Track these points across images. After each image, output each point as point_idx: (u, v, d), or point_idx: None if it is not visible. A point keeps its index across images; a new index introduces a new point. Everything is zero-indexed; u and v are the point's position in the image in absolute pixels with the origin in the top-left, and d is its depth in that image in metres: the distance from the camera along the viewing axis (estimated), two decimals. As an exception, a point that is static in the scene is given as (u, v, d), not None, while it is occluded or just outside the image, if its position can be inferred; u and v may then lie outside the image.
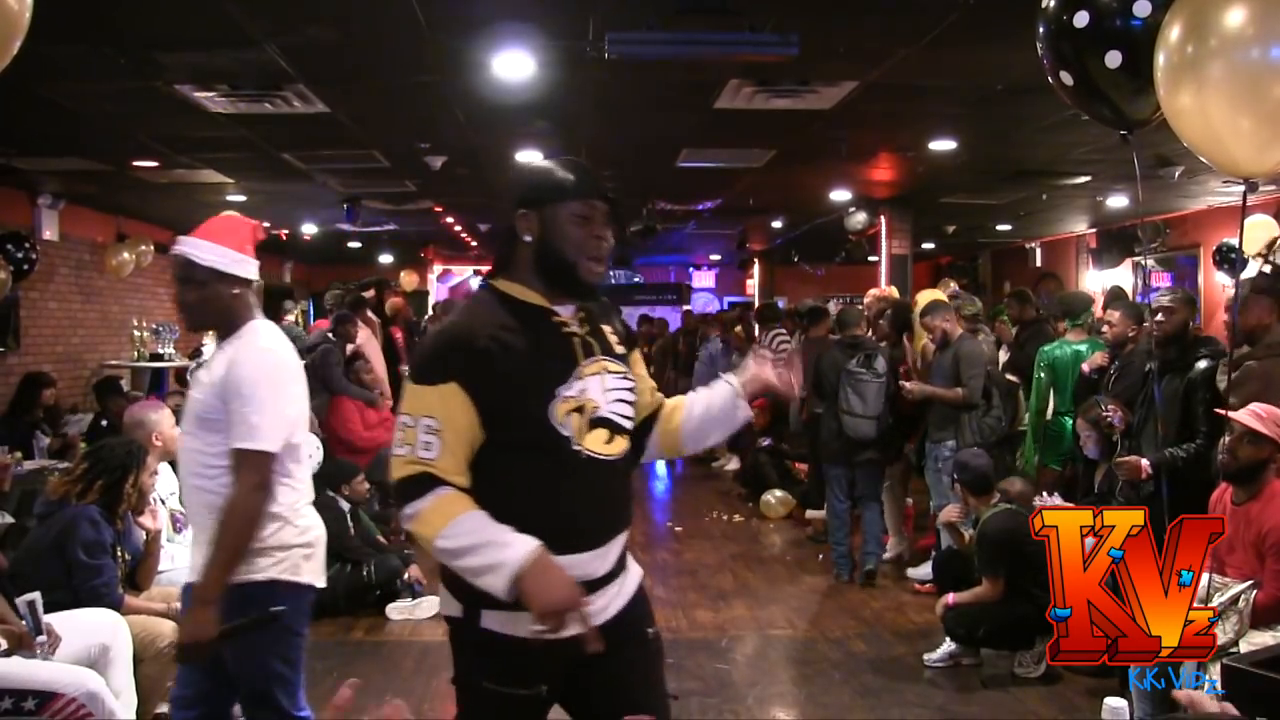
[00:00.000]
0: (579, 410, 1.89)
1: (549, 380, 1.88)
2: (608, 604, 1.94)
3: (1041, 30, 2.99)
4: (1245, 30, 2.26)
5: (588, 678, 1.93)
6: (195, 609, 2.32)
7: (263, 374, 2.40)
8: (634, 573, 2.06)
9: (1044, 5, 2.96)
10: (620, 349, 2.03)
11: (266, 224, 10.39)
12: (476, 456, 1.86)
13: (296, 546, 2.47)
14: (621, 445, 1.97)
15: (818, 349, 6.27)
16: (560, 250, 1.92)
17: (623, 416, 1.97)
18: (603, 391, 1.93)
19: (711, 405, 2.13)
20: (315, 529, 2.58)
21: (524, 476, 1.87)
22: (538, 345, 1.90)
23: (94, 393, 7.69)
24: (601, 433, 1.92)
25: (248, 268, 2.52)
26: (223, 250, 2.47)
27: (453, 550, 1.79)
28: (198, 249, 2.47)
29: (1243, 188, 2.59)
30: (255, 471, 2.35)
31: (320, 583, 2.58)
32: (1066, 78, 2.90)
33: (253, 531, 2.34)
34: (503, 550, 1.75)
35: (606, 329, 2.03)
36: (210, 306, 2.49)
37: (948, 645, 4.45)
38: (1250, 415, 3.30)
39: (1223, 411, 3.49)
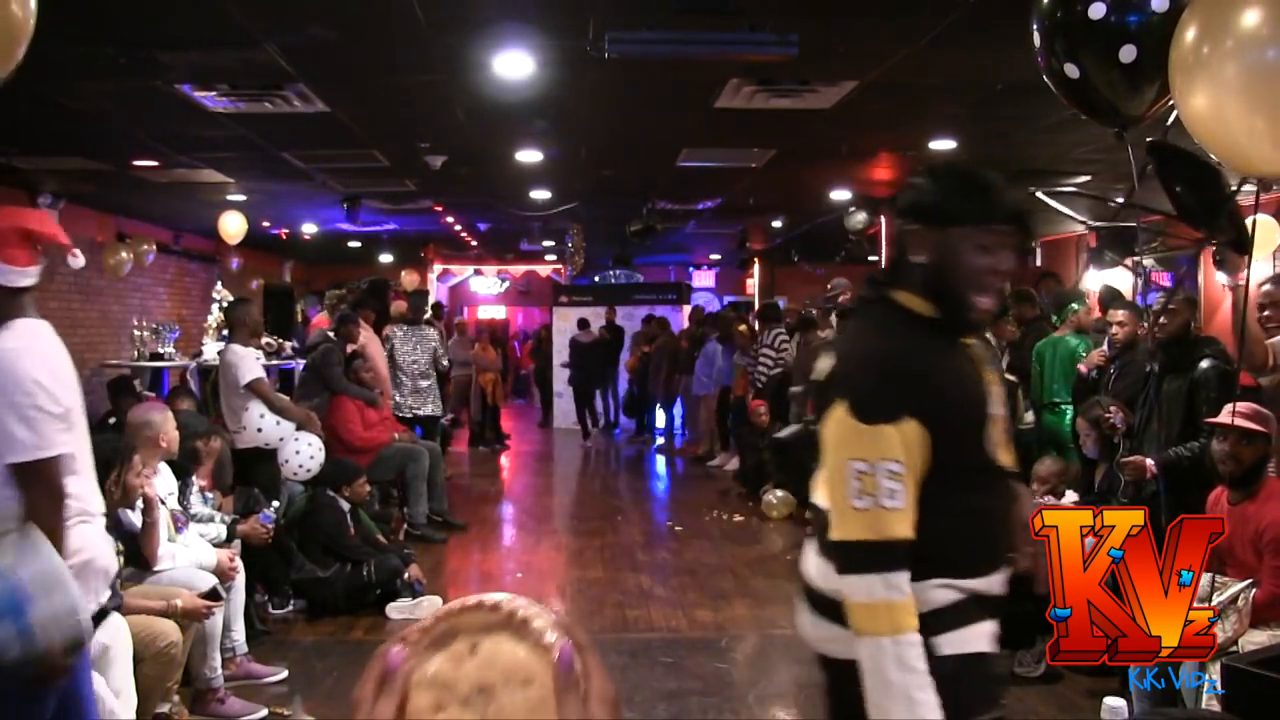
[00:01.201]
0: (995, 426, 1.79)
1: (983, 400, 1.77)
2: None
3: (1039, 24, 2.98)
4: (1261, 30, 2.26)
5: None
6: None
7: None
8: None
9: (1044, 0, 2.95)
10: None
11: (266, 223, 10.45)
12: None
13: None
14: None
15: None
16: (952, 281, 1.71)
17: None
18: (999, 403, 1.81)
19: None
20: (88, 551, 2.33)
21: (961, 506, 1.70)
22: (960, 363, 1.77)
23: (107, 391, 7.69)
24: (1005, 444, 1.83)
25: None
26: None
27: (899, 665, 1.55)
28: None
29: (1247, 187, 2.60)
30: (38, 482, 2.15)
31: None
32: (1072, 70, 2.89)
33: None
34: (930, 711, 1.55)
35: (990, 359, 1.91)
36: None
37: None
38: (1239, 418, 3.32)
39: (1214, 420, 3.51)
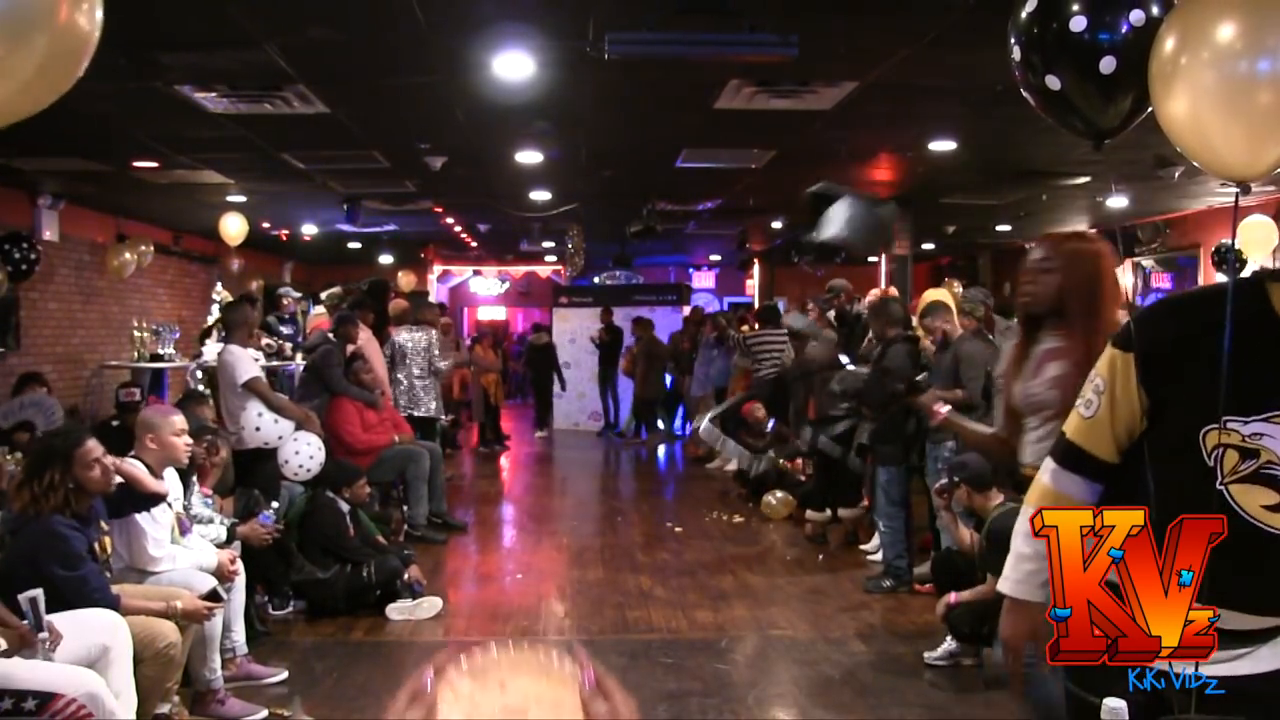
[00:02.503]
0: (1240, 452, 1.62)
1: (1231, 406, 1.61)
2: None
3: (1018, 37, 3.03)
4: (1236, 42, 2.35)
5: None
6: None
7: None
8: None
9: (1022, 13, 3.00)
10: None
11: (266, 223, 10.47)
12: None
13: None
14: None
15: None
16: None
17: None
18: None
19: None
20: None
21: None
22: (1258, 364, 1.62)
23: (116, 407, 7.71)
24: (1263, 492, 1.61)
25: None
26: None
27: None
28: None
29: (1238, 190, 2.64)
30: None
31: None
32: (1053, 82, 2.95)
33: None
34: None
35: None
36: None
37: (949, 644, 4.45)
38: None
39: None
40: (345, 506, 5.42)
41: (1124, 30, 2.78)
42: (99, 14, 2.25)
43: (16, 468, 5.40)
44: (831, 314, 8.28)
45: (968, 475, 4.63)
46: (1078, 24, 2.84)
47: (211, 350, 7.93)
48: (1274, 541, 1.62)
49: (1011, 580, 2.03)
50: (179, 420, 4.04)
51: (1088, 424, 1.78)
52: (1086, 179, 7.95)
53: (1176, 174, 7.31)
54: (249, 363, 5.63)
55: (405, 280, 14.12)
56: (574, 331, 13.22)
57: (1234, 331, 1.56)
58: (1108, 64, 2.79)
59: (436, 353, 7.84)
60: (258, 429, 5.50)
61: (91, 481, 3.44)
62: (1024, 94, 3.11)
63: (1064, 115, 3.02)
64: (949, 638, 4.44)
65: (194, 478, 4.52)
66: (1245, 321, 1.58)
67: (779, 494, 7.76)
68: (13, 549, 3.42)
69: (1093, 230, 11.60)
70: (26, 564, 3.29)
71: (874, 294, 7.75)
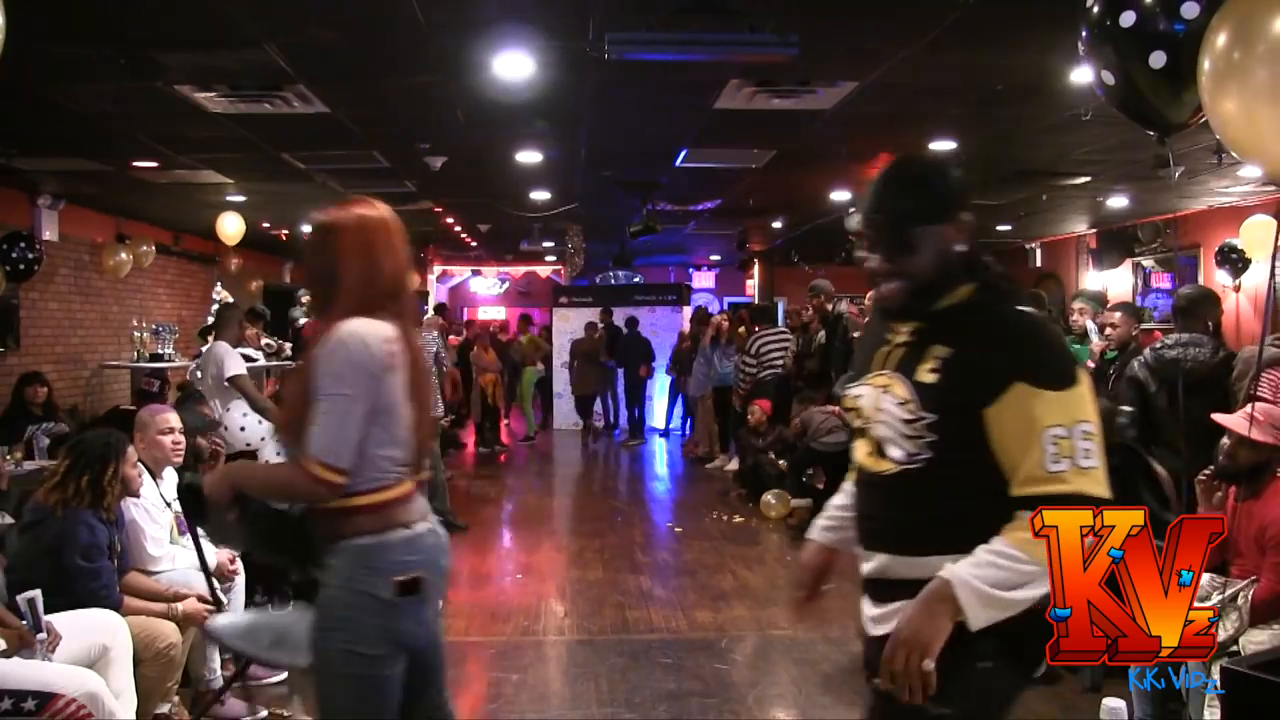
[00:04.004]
0: (853, 412, 1.89)
1: (850, 379, 1.95)
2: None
3: (1084, 32, 3.00)
4: None
5: None
6: None
7: None
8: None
9: (1088, 5, 2.98)
10: (928, 378, 1.74)
11: (266, 223, 10.46)
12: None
13: None
14: (888, 465, 1.79)
15: None
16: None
17: (886, 438, 1.79)
18: (875, 408, 1.82)
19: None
20: None
21: None
22: (871, 343, 1.96)
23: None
24: (864, 443, 1.86)
25: None
26: None
27: None
28: None
29: (1247, 188, 2.62)
30: None
31: None
32: (1108, 78, 2.92)
33: None
34: None
35: (938, 354, 1.76)
36: None
37: None
38: (1245, 419, 3.30)
39: (1217, 417, 3.49)
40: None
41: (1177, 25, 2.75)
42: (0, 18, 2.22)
43: (16, 467, 5.42)
44: (811, 311, 8.33)
45: None
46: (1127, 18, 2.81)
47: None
48: (877, 483, 1.83)
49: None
50: (166, 419, 4.03)
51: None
52: (1086, 179, 7.95)
53: (1176, 174, 7.31)
54: (236, 359, 5.70)
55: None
56: (574, 331, 13.24)
57: (870, 321, 1.92)
58: (1157, 59, 2.76)
59: (443, 354, 7.91)
60: (242, 429, 5.53)
61: (132, 481, 3.58)
62: (1094, 88, 3.09)
63: (1130, 107, 2.98)
64: None
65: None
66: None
67: (777, 493, 7.76)
68: (32, 537, 3.46)
69: (1092, 230, 11.60)
70: (47, 553, 3.34)
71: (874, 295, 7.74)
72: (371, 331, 2.07)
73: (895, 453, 1.76)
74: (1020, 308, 1.77)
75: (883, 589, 1.83)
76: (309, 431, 2.02)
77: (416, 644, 2.14)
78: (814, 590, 2.12)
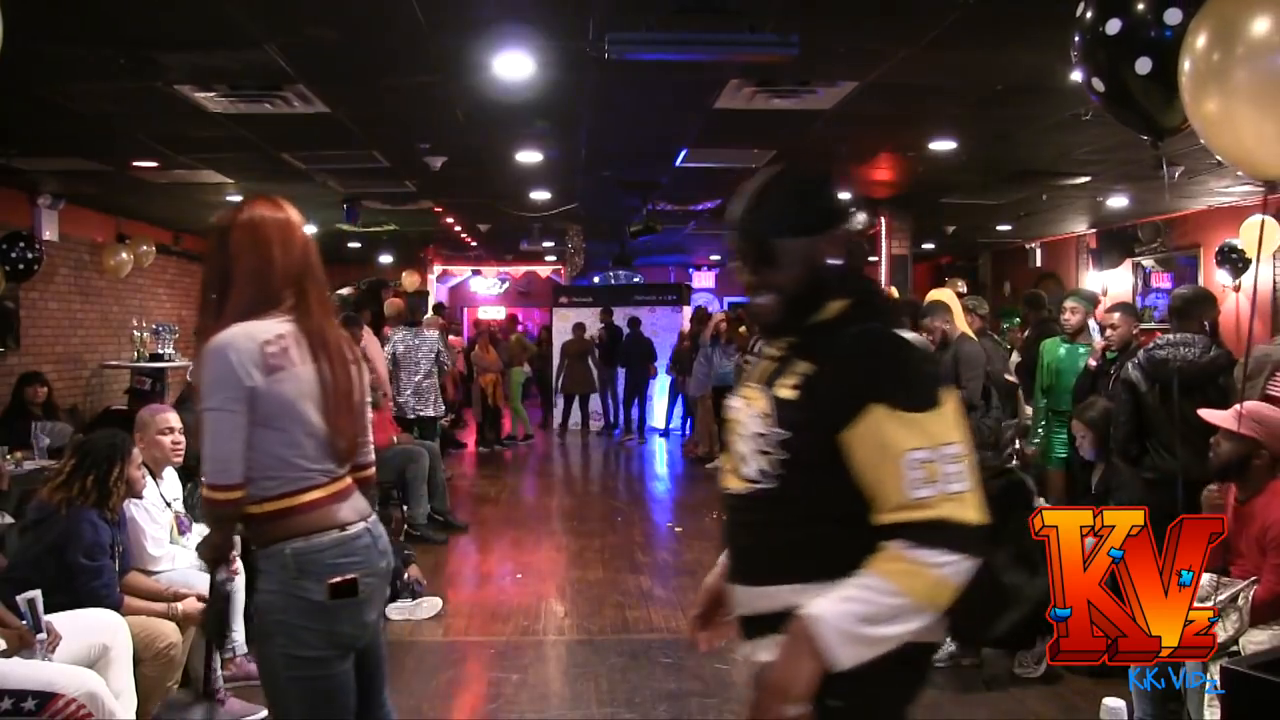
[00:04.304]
0: (728, 425, 1.78)
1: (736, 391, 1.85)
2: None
3: (1076, 38, 3.01)
4: (1271, 37, 2.29)
5: None
6: None
7: None
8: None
9: (1079, 13, 2.99)
10: (787, 394, 1.65)
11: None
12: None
13: None
14: (741, 485, 1.69)
15: None
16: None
17: (744, 456, 1.68)
18: (742, 421, 1.72)
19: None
20: None
21: None
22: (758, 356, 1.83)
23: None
24: (729, 459, 1.75)
25: None
26: None
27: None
28: None
29: (1247, 188, 2.62)
30: None
31: None
32: (1098, 84, 2.93)
33: None
34: None
35: (802, 370, 1.66)
36: None
37: (949, 645, 4.44)
38: (1232, 415, 3.34)
39: (1203, 413, 3.55)
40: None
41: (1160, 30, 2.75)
42: None
43: (17, 467, 5.42)
44: None
45: None
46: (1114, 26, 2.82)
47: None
48: (732, 505, 1.69)
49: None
50: (166, 419, 4.03)
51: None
52: (1086, 179, 7.95)
53: (1176, 174, 7.31)
54: None
55: (409, 280, 14.12)
56: (573, 332, 13.27)
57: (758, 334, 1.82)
58: (1144, 65, 2.76)
59: (444, 353, 7.93)
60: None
61: (136, 483, 3.60)
62: (1087, 92, 3.09)
63: (1123, 113, 2.99)
64: (948, 639, 4.40)
65: (198, 478, 4.51)
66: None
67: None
68: (35, 536, 3.47)
69: (1092, 230, 11.60)
70: (50, 551, 3.35)
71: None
72: (244, 335, 2.03)
73: (748, 470, 1.66)
74: (888, 326, 1.66)
75: (747, 624, 1.71)
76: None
77: (358, 646, 2.13)
78: (710, 614, 1.98)
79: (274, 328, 2.07)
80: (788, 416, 1.61)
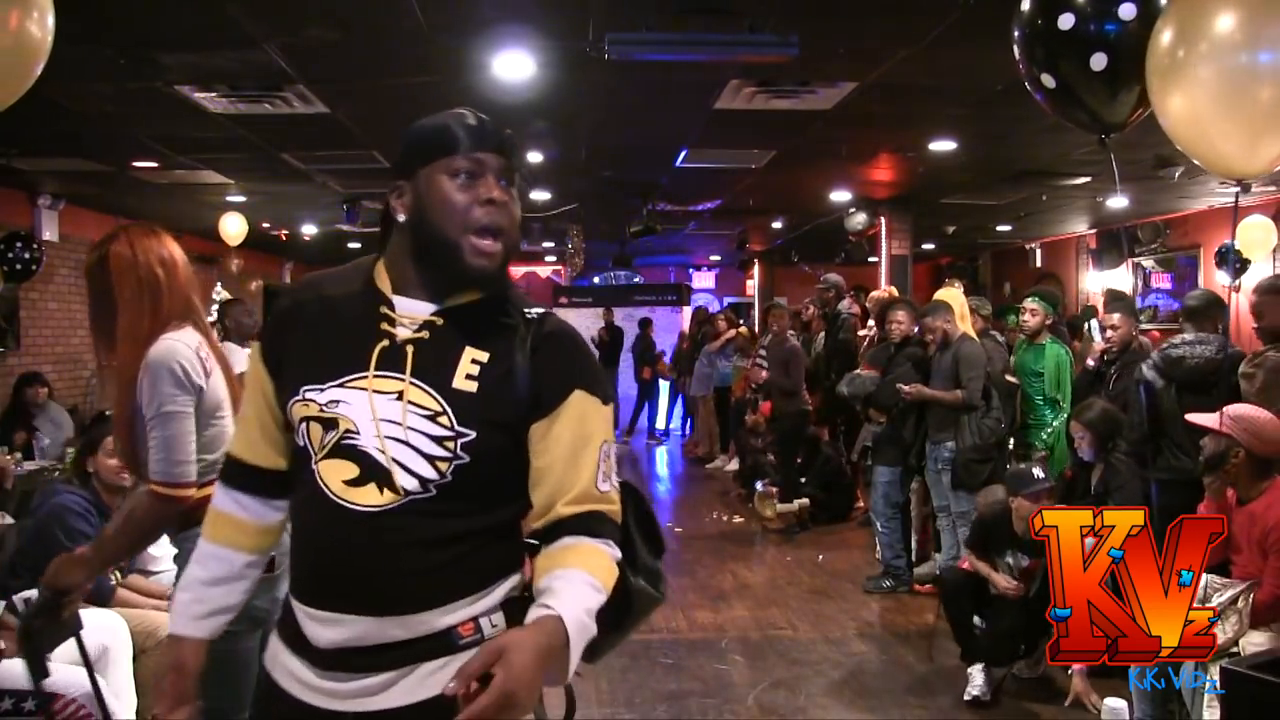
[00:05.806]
0: (321, 424, 1.43)
1: (311, 375, 1.45)
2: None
3: (1017, 34, 3.01)
4: (1235, 34, 2.29)
5: None
6: None
7: None
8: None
9: (1021, 9, 2.99)
10: (468, 386, 1.42)
11: (266, 224, 10.46)
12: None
13: None
14: (384, 497, 1.39)
15: None
16: (438, 227, 1.44)
17: (399, 461, 1.40)
18: (374, 419, 1.41)
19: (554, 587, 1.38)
20: None
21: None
22: (338, 332, 1.47)
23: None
24: (345, 466, 1.41)
25: None
26: None
27: None
28: None
29: (1237, 188, 2.62)
30: None
31: None
32: (1048, 80, 2.93)
33: None
34: None
35: (474, 357, 1.44)
36: None
37: (980, 675, 4.14)
38: (1215, 415, 3.41)
39: (1191, 417, 3.61)
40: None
41: (1115, 26, 2.75)
42: (50, 20, 2.27)
43: (17, 467, 5.43)
44: (811, 310, 8.32)
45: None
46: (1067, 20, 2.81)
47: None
48: (363, 521, 1.39)
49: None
50: None
51: (238, 427, 1.59)
52: (1087, 179, 7.94)
53: (1176, 174, 7.31)
54: (241, 355, 5.71)
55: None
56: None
57: (335, 302, 1.49)
58: (1099, 60, 2.76)
59: None
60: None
61: (106, 469, 3.60)
62: (1029, 89, 3.09)
63: (1069, 110, 2.99)
64: (978, 668, 4.14)
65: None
66: (351, 293, 1.50)
67: (760, 493, 7.75)
68: (29, 527, 3.52)
69: (1092, 231, 11.59)
70: (35, 540, 3.39)
71: (876, 295, 7.75)
72: (180, 343, 2.22)
73: (408, 480, 1.39)
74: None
75: (358, 656, 1.41)
76: (151, 456, 2.15)
77: (270, 619, 2.16)
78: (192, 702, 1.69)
79: (191, 338, 2.27)
80: (472, 412, 1.40)
